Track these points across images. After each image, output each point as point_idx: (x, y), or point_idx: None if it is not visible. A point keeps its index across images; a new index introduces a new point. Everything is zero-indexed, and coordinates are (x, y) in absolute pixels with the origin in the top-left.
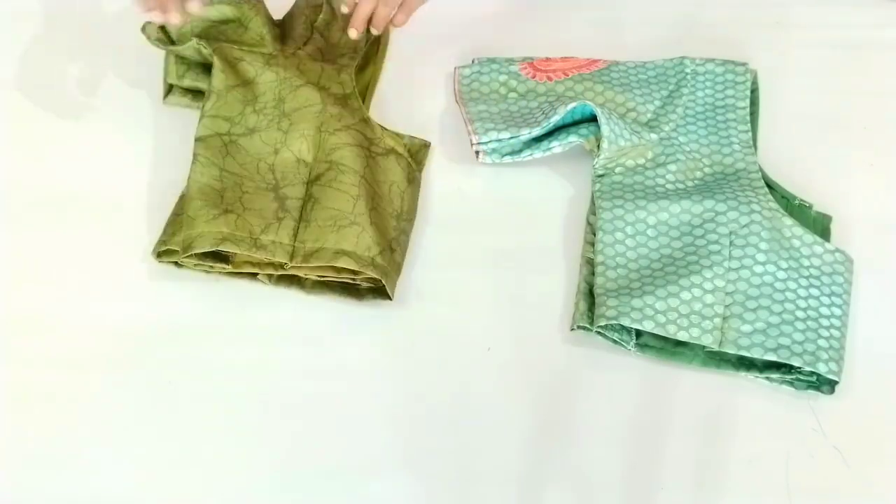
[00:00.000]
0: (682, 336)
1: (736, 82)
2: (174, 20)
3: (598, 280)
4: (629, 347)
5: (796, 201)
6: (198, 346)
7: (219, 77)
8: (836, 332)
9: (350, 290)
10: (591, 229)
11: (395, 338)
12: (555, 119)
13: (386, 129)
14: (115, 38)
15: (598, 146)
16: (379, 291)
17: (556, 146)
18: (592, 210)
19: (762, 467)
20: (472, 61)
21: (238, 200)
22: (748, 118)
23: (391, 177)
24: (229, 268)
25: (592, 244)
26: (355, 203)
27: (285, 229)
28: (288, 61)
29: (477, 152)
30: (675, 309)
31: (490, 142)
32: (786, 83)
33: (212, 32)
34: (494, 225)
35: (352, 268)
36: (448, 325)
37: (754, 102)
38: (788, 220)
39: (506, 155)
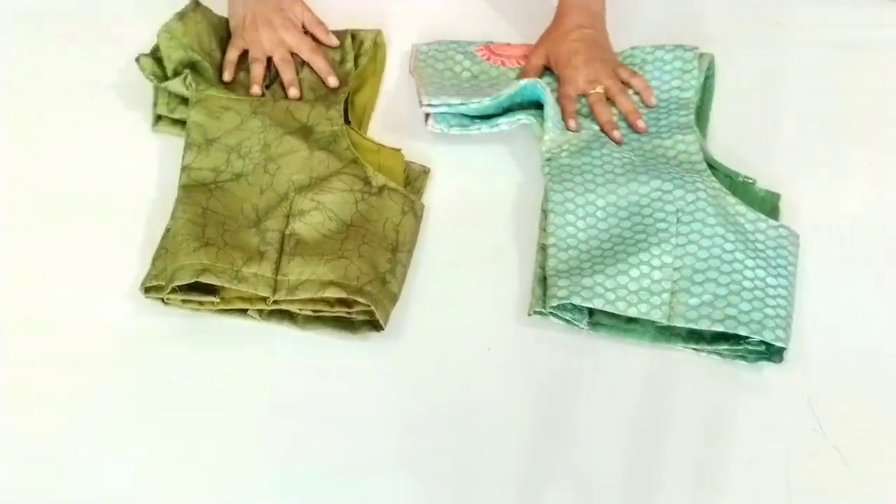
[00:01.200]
0: (631, 312)
1: (683, 70)
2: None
3: (550, 262)
4: (582, 326)
5: (740, 178)
6: (198, 347)
7: (197, 130)
8: (782, 301)
9: (344, 323)
10: (546, 215)
11: (396, 338)
12: (506, 92)
13: (383, 150)
14: (116, 38)
15: (543, 128)
16: (374, 324)
17: (504, 123)
18: (547, 198)
19: (762, 467)
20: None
21: (220, 236)
22: (691, 104)
23: (385, 213)
24: (218, 303)
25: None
26: (342, 243)
27: (267, 262)
28: (277, 106)
29: (426, 115)
30: (624, 286)
31: (440, 104)
32: (786, 83)
33: (207, 69)
34: (495, 225)
35: (340, 296)
36: (448, 325)
37: (709, 88)
38: (732, 199)
39: (454, 126)
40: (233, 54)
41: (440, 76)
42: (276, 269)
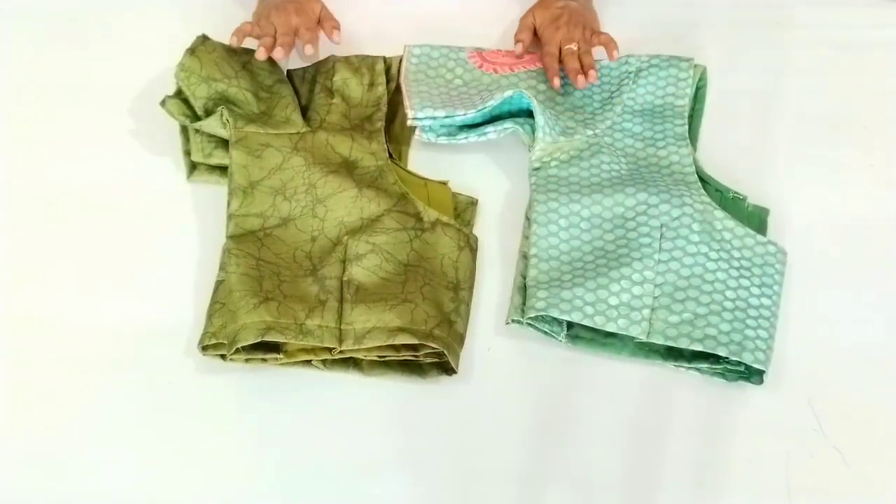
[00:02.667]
0: (609, 327)
1: (679, 78)
2: (279, 55)
3: (531, 272)
4: (560, 339)
5: (730, 194)
6: (195, 347)
7: (241, 173)
8: (764, 322)
9: (411, 367)
10: (529, 224)
11: None
12: (490, 104)
13: (430, 183)
14: (116, 37)
15: (533, 133)
16: (443, 366)
17: (492, 131)
18: (532, 207)
19: (762, 467)
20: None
21: (277, 288)
22: (685, 113)
23: (441, 250)
24: (282, 358)
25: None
26: (404, 285)
27: (330, 312)
28: (317, 139)
29: (414, 127)
30: (604, 300)
31: (425, 118)
32: (786, 83)
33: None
34: (495, 225)
35: (411, 342)
36: None
37: (700, 100)
38: (720, 213)
39: (441, 135)
40: (246, 26)
41: (429, 84)
42: (340, 319)
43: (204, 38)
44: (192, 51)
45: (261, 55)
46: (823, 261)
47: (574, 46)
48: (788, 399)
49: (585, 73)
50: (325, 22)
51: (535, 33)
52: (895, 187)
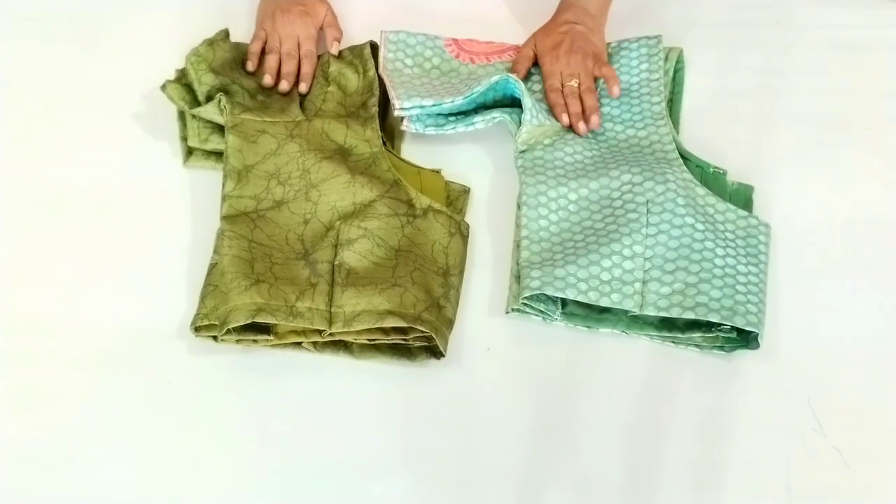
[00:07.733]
0: (603, 302)
1: (650, 55)
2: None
3: (523, 254)
4: (555, 317)
5: (710, 169)
6: (197, 347)
7: (236, 156)
8: (753, 289)
9: (401, 350)
10: (520, 209)
11: None
12: (478, 90)
13: (423, 171)
14: (116, 38)
15: (520, 121)
16: (431, 350)
17: (479, 121)
18: (521, 192)
19: (762, 467)
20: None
21: (269, 270)
22: (661, 89)
23: (432, 236)
24: (273, 339)
25: None
26: (394, 270)
27: (320, 295)
28: (312, 127)
29: (402, 118)
30: (596, 276)
31: (413, 107)
32: (786, 83)
33: (237, 94)
34: (488, 215)
35: (399, 325)
36: None
37: (679, 83)
38: (701, 190)
39: (428, 126)
40: (255, 45)
41: (410, 75)
42: (330, 301)
43: (225, 35)
44: (210, 42)
45: (268, 81)
46: (824, 261)
47: (575, 83)
48: (788, 399)
49: (587, 118)
50: (328, 29)
51: (537, 61)
52: (895, 187)
